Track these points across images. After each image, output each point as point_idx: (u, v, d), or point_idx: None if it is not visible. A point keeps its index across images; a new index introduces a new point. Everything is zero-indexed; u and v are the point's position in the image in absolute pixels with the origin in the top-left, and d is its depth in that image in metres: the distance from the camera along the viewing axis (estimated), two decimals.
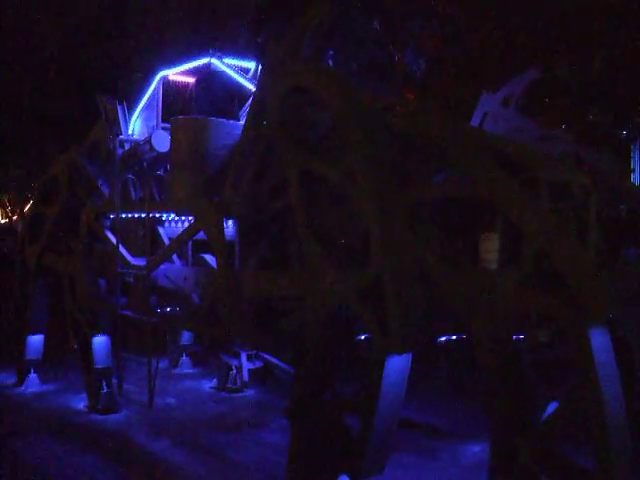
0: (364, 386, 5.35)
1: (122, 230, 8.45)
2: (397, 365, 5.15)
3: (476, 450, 7.74)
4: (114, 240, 8.39)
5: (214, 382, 11.01)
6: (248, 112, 6.96)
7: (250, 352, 9.98)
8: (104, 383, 9.32)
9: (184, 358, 12.37)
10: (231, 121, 7.63)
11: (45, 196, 10.76)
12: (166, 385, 10.60)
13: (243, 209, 6.65)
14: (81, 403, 9.74)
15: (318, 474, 5.57)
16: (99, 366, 9.31)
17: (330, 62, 7.69)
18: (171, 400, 10.12)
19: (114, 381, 9.30)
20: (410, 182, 5.38)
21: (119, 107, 8.82)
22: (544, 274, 4.57)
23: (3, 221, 38.93)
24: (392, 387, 5.18)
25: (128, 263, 8.16)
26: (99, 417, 9.17)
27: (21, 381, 11.01)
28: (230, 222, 7.25)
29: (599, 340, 4.40)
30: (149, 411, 8.77)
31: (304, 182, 5.77)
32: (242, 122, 7.44)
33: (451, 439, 8.27)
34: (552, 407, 5.15)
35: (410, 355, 5.21)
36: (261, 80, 6.61)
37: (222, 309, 6.69)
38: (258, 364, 10.31)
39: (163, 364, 11.92)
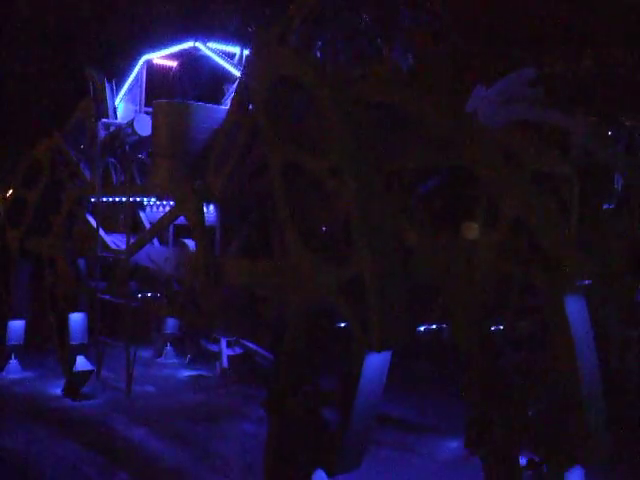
0: (342, 381, 5.31)
1: (103, 214, 8.38)
2: (376, 362, 5.10)
3: (454, 446, 7.73)
4: (94, 224, 8.34)
5: (201, 371, 11.05)
6: (232, 98, 6.90)
7: (230, 339, 9.98)
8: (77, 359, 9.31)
9: (168, 347, 12.24)
10: (213, 105, 7.55)
11: (27, 180, 10.62)
12: (147, 374, 10.63)
13: (224, 193, 6.60)
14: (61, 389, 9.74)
15: (294, 467, 5.52)
16: (74, 342, 9.27)
17: (318, 53, 7.63)
18: (150, 388, 10.10)
19: (93, 367, 9.26)
20: (389, 154, 5.37)
21: (107, 85, 8.72)
22: (521, 241, 4.61)
23: None
24: (371, 383, 5.14)
25: (108, 247, 8.11)
26: (78, 404, 9.15)
27: (1, 367, 10.88)
28: (212, 207, 7.21)
29: (574, 306, 4.47)
30: (127, 398, 8.75)
31: (287, 172, 5.71)
32: (225, 107, 7.38)
33: (430, 434, 8.27)
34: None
35: (390, 352, 5.17)
36: (247, 66, 6.55)
37: (201, 294, 6.66)
38: (238, 351, 10.33)
39: (147, 353, 11.96)
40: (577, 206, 6.23)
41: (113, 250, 8.05)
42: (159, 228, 7.44)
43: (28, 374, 10.78)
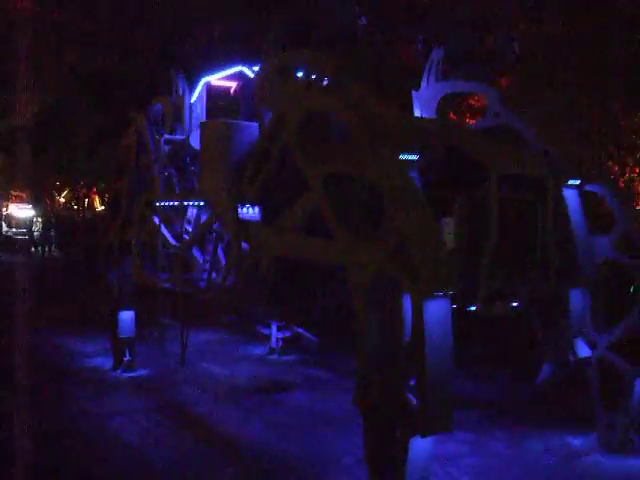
0: (411, 340, 5.44)
1: (167, 215, 9.80)
2: (436, 310, 5.27)
3: (569, 440, 7.88)
4: (158, 224, 9.81)
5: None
6: (261, 128, 7.93)
7: (280, 323, 11.27)
8: None
9: (281, 344, 12.14)
10: (251, 123, 8.73)
11: (119, 171, 11.22)
12: (261, 369, 11.30)
13: (257, 196, 7.59)
14: (175, 389, 10.33)
15: (392, 441, 5.71)
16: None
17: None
18: (260, 384, 10.61)
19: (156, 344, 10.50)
20: None
21: (188, 92, 9.70)
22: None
23: (100, 208, 41.68)
24: (436, 332, 5.24)
25: (169, 243, 9.58)
26: (191, 399, 9.77)
27: (119, 363, 11.13)
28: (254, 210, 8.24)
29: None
30: (241, 397, 9.74)
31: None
32: None
33: (543, 428, 8.27)
34: None
35: (449, 301, 5.36)
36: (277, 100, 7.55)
37: (232, 263, 7.79)
38: (287, 334, 11.61)
39: (261, 350, 12.50)
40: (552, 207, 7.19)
41: (172, 246, 9.50)
42: (206, 228, 8.78)
43: (142, 372, 11.10)
